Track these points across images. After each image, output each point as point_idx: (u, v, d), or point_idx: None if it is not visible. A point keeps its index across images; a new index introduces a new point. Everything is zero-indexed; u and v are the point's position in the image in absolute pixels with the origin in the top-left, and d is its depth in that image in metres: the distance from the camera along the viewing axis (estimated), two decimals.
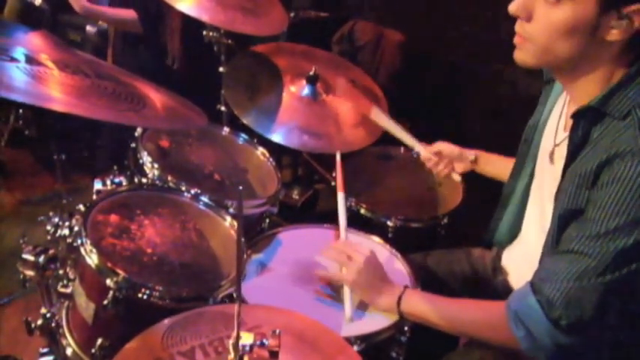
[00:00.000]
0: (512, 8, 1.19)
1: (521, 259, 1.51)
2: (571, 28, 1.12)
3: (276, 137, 1.88)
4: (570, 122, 1.28)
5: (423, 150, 1.87)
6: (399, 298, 1.37)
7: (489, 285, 1.60)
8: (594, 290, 1.10)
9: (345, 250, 1.46)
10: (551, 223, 1.24)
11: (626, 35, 1.10)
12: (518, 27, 1.20)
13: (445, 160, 1.84)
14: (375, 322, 1.39)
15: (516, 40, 1.21)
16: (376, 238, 1.69)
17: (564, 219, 1.18)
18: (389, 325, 1.39)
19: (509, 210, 1.59)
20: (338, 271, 1.46)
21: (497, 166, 1.77)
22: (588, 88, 1.19)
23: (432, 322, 1.33)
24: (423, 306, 1.34)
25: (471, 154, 1.82)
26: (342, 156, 1.85)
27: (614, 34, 1.11)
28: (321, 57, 2.22)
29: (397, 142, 2.23)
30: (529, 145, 1.48)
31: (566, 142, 1.27)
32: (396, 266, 1.60)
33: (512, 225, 1.60)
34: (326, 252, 1.49)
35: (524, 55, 1.21)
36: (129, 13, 2.49)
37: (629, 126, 1.10)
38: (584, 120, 1.18)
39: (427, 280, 1.55)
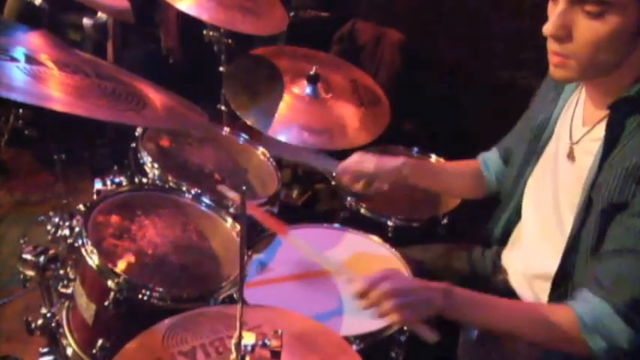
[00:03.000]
0: (549, 30, 1.13)
1: (520, 259, 1.51)
2: (617, 37, 1.10)
3: (277, 137, 1.87)
4: (590, 117, 1.26)
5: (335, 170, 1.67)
6: (448, 303, 1.25)
7: (489, 284, 1.60)
8: None
9: (371, 295, 1.26)
10: (591, 219, 1.21)
11: None
12: (557, 47, 1.15)
13: (361, 176, 1.64)
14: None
15: (555, 60, 1.17)
16: (376, 238, 1.69)
17: (608, 214, 1.16)
18: (389, 325, 1.39)
19: (510, 207, 1.57)
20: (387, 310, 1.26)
21: (427, 177, 1.66)
22: (621, 81, 1.18)
23: (487, 326, 1.27)
24: (474, 309, 1.26)
25: (392, 165, 1.60)
26: (343, 156, 1.85)
27: None
28: (321, 58, 2.22)
29: (397, 142, 2.24)
30: (538, 142, 1.43)
31: (587, 138, 1.26)
32: (396, 266, 1.60)
33: (511, 224, 1.59)
34: (362, 306, 1.30)
35: (567, 73, 1.18)
36: (122, 3, 2.48)
37: None
38: (623, 111, 1.17)
39: (425, 277, 1.55)
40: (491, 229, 1.64)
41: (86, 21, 2.75)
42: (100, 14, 2.71)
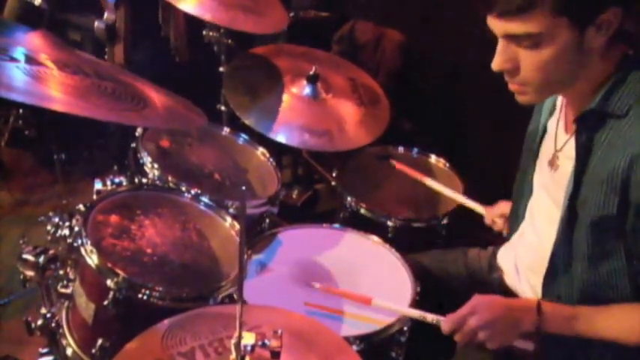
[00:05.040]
0: (495, 66, 1.19)
1: (517, 255, 1.52)
2: (561, 59, 1.14)
3: (277, 136, 1.88)
4: (570, 124, 1.28)
5: (486, 215, 1.79)
6: (538, 322, 1.27)
7: (485, 283, 1.61)
8: None
9: (462, 333, 1.31)
10: (580, 232, 1.24)
11: (608, 35, 1.13)
12: (509, 79, 1.21)
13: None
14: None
15: (514, 88, 1.22)
16: (376, 238, 1.69)
17: (598, 227, 1.20)
18: (388, 325, 1.39)
19: (516, 212, 1.57)
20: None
21: None
22: (583, 91, 1.21)
23: (590, 335, 1.27)
24: (571, 321, 1.26)
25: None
26: (343, 155, 1.85)
27: (598, 40, 1.13)
28: (320, 57, 2.22)
29: (397, 142, 2.24)
30: (535, 149, 1.45)
31: (569, 145, 1.28)
32: (396, 266, 1.60)
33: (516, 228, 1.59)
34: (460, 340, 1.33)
35: (528, 98, 1.23)
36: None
37: (634, 123, 1.13)
38: (587, 123, 1.20)
39: (423, 281, 1.55)
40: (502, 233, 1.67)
41: (97, 24, 2.75)
42: (107, 16, 2.71)
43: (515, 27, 1.12)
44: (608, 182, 1.16)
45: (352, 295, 1.46)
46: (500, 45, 1.18)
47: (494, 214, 1.75)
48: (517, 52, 1.16)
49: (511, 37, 1.15)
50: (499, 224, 1.73)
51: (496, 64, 1.19)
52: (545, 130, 1.42)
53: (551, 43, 1.12)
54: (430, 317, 1.37)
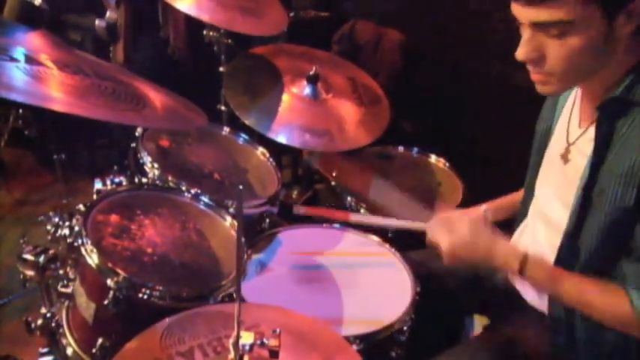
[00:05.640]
0: (521, 56, 1.17)
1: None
2: (588, 48, 1.12)
3: (278, 137, 1.88)
4: (585, 118, 1.27)
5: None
6: (522, 264, 1.28)
7: (490, 282, 1.60)
8: None
9: (444, 222, 1.37)
10: (592, 224, 1.23)
11: (637, 23, 1.11)
12: (534, 69, 1.19)
13: None
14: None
15: (536, 78, 1.20)
16: (376, 238, 1.69)
17: (614, 217, 1.18)
18: (388, 325, 1.39)
19: (524, 212, 1.56)
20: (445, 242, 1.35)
21: (506, 210, 1.68)
22: (605, 80, 1.19)
23: (552, 294, 1.32)
24: (547, 280, 1.29)
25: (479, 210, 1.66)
26: (343, 155, 1.85)
27: (627, 29, 1.11)
28: (320, 57, 2.22)
29: (397, 142, 2.24)
30: (544, 149, 1.44)
31: (582, 139, 1.27)
32: (396, 266, 1.60)
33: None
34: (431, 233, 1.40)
35: (550, 88, 1.22)
36: None
37: None
38: (610, 111, 1.18)
39: (426, 277, 1.55)
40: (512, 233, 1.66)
41: (98, 22, 2.75)
42: (109, 15, 2.71)
43: (545, 14, 1.09)
44: (627, 175, 1.14)
45: (331, 213, 1.44)
46: (526, 34, 1.15)
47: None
48: (544, 41, 1.13)
49: (539, 26, 1.12)
50: None
51: (521, 53, 1.17)
52: (555, 127, 1.40)
53: (581, 31, 1.09)
54: (414, 225, 1.37)
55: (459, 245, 1.32)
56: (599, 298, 1.22)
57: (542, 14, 1.10)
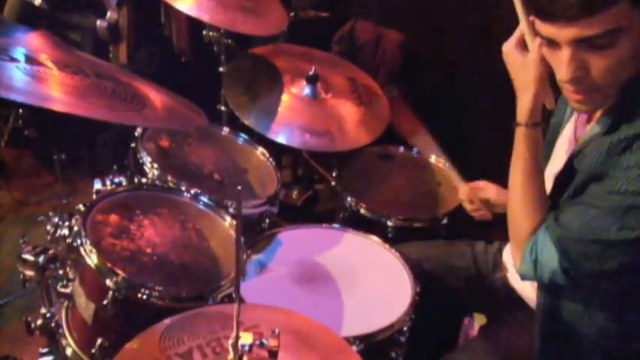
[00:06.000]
0: (567, 77, 1.11)
1: None
2: (632, 53, 1.08)
3: (278, 137, 1.88)
4: (592, 115, 1.26)
5: (461, 191, 1.79)
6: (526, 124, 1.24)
7: (489, 280, 1.61)
8: (600, 242, 1.12)
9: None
10: (570, 188, 1.23)
11: None
12: (577, 87, 1.12)
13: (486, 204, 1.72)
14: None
15: (577, 97, 1.14)
16: (376, 238, 1.69)
17: (585, 185, 1.18)
18: (388, 325, 1.39)
19: None
20: None
21: None
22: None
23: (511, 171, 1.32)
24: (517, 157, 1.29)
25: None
26: (343, 154, 1.85)
27: None
28: (320, 57, 2.22)
29: (397, 142, 2.24)
30: (552, 147, 1.42)
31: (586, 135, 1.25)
32: (396, 266, 1.60)
33: None
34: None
35: (593, 105, 1.17)
36: None
37: None
38: (632, 91, 1.14)
39: (426, 277, 1.55)
40: None
41: (100, 23, 2.75)
42: (110, 14, 2.71)
43: (593, 27, 1.04)
44: (616, 144, 1.12)
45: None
46: (568, 53, 1.08)
47: (473, 194, 1.73)
48: (588, 56, 1.08)
49: (583, 41, 1.06)
50: (473, 207, 1.73)
51: (568, 73, 1.10)
52: (566, 124, 1.39)
53: (628, 37, 1.06)
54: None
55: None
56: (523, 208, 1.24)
57: (590, 28, 1.04)
